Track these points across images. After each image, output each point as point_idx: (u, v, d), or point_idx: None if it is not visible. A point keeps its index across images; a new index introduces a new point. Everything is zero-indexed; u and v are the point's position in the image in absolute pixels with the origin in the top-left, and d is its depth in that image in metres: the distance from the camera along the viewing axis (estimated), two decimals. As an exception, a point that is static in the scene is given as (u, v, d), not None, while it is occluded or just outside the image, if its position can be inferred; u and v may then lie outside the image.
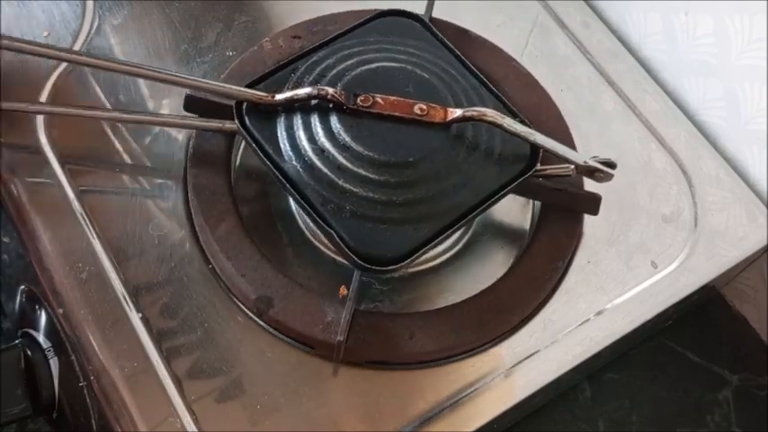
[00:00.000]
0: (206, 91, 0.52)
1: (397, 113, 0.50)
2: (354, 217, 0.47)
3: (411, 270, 0.54)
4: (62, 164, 0.53)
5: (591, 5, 0.68)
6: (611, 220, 0.56)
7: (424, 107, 0.50)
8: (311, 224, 0.54)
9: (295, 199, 0.48)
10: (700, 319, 0.63)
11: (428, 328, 0.49)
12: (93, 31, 0.59)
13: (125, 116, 0.54)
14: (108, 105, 0.56)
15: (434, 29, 0.56)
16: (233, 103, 0.51)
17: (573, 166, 0.51)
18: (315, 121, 0.49)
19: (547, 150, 0.50)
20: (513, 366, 0.50)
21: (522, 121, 0.51)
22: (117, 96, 0.57)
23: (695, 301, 0.57)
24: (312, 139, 0.49)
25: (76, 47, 0.58)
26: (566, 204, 0.54)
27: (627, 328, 0.53)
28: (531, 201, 0.58)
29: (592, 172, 0.51)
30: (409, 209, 0.47)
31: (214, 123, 0.52)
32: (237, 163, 0.57)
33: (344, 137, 0.48)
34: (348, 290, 0.49)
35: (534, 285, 0.52)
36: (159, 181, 0.54)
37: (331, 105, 0.49)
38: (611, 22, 0.68)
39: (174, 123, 0.54)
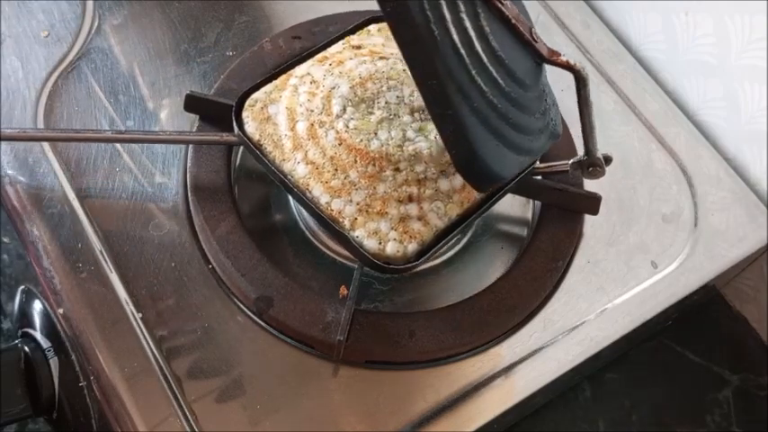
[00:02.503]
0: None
1: (519, 26, 0.44)
2: (475, 114, 0.40)
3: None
4: (62, 163, 0.53)
5: (591, 5, 0.68)
6: (611, 220, 0.56)
7: (538, 34, 0.45)
8: (312, 224, 0.54)
9: (302, 203, 0.46)
10: (700, 319, 0.63)
11: (428, 328, 0.49)
12: (93, 31, 0.59)
13: (123, 137, 0.54)
14: (108, 105, 0.56)
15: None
16: (233, 102, 0.51)
17: (569, 162, 0.51)
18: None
19: (589, 129, 0.48)
20: (513, 366, 0.50)
21: None
22: (117, 96, 0.57)
23: (695, 301, 0.57)
24: (454, 7, 0.40)
25: (76, 47, 0.59)
26: (566, 204, 0.54)
27: (627, 328, 0.53)
28: (531, 201, 0.58)
29: (587, 167, 0.50)
30: (516, 134, 0.44)
31: (212, 137, 0.52)
32: (237, 163, 0.56)
33: (485, 24, 0.41)
34: (348, 290, 0.49)
35: (534, 285, 0.52)
36: (159, 181, 0.54)
37: None
38: (611, 22, 0.68)
39: (172, 140, 0.54)
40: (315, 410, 0.47)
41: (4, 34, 0.58)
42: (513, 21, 0.43)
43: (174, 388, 0.47)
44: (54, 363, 0.52)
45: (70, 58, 0.58)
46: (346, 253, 0.53)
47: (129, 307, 0.49)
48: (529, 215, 0.58)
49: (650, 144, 0.60)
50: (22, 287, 0.57)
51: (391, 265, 0.47)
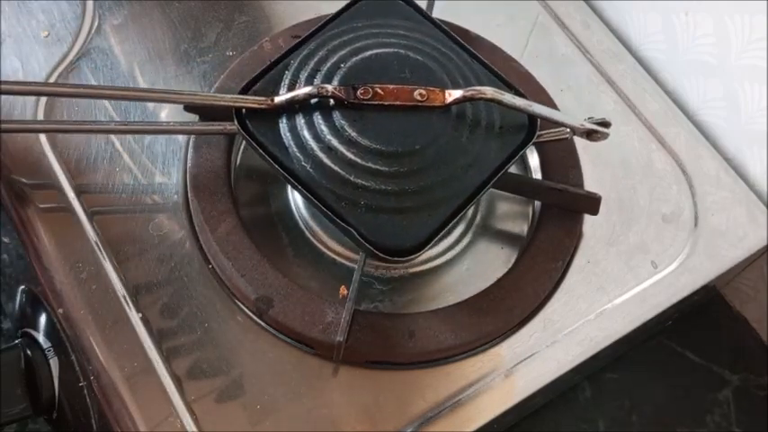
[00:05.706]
0: (202, 103, 0.51)
1: (398, 102, 0.49)
2: (370, 211, 0.47)
3: (411, 270, 0.54)
4: (62, 163, 0.53)
5: (591, 5, 0.68)
6: (611, 220, 0.56)
7: (424, 92, 0.49)
8: (312, 224, 0.55)
9: (308, 199, 0.48)
10: (700, 319, 0.63)
11: (428, 328, 0.49)
12: (93, 31, 0.59)
13: (125, 128, 0.54)
14: (108, 105, 0.56)
15: (417, 4, 0.56)
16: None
17: (569, 130, 0.51)
18: (318, 119, 0.49)
19: (545, 119, 0.50)
20: (513, 366, 0.50)
21: (516, 92, 0.51)
22: (117, 96, 0.57)
23: (695, 301, 0.57)
24: (318, 137, 0.48)
25: (76, 47, 0.59)
26: (565, 204, 0.54)
27: (627, 328, 0.53)
28: (531, 201, 0.58)
29: (589, 134, 0.51)
30: (423, 196, 0.47)
31: (215, 127, 0.52)
32: (237, 163, 0.57)
33: (350, 132, 0.48)
34: (348, 290, 0.49)
35: (534, 285, 0.52)
36: (159, 181, 0.54)
37: (332, 102, 0.49)
38: (611, 22, 0.68)
39: (175, 130, 0.54)
40: (315, 410, 0.47)
41: (4, 34, 0.58)
42: (388, 103, 0.49)
43: (174, 388, 0.47)
44: (54, 363, 0.52)
45: (70, 58, 0.58)
46: (346, 253, 0.53)
47: (129, 307, 0.49)
48: (529, 215, 0.58)
49: (650, 144, 0.60)
50: (22, 287, 0.57)
51: (395, 256, 0.47)
